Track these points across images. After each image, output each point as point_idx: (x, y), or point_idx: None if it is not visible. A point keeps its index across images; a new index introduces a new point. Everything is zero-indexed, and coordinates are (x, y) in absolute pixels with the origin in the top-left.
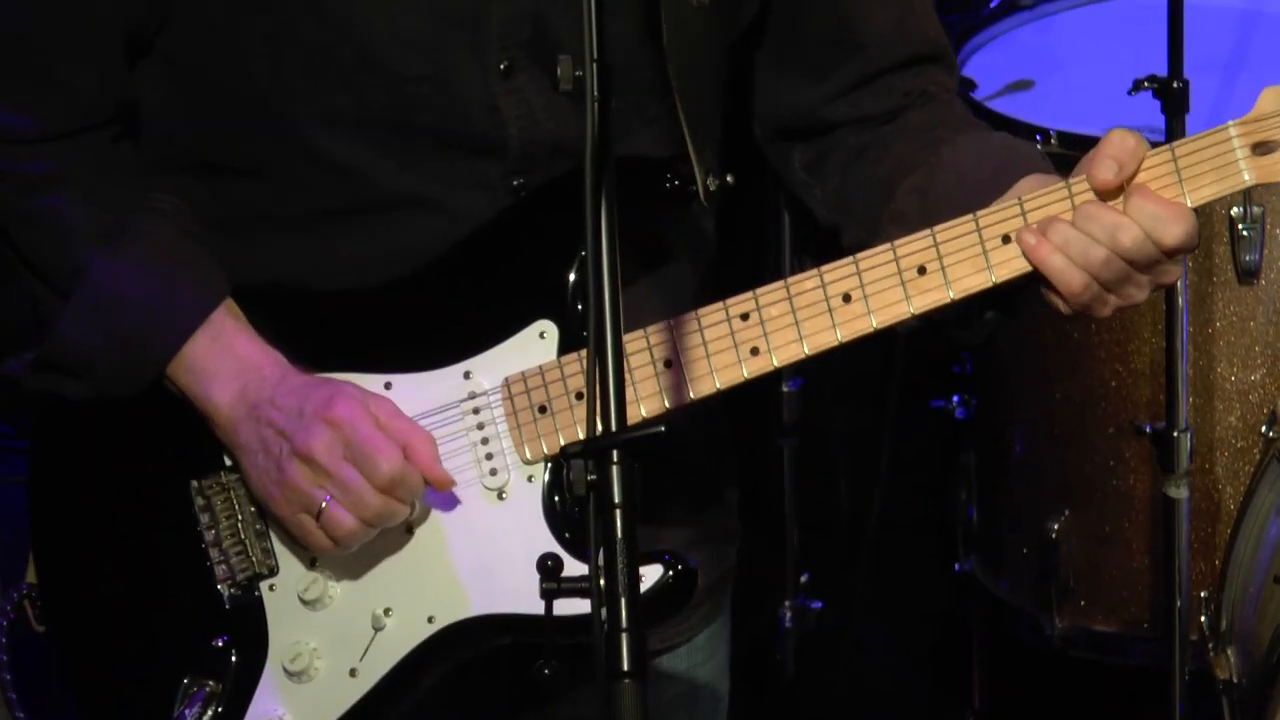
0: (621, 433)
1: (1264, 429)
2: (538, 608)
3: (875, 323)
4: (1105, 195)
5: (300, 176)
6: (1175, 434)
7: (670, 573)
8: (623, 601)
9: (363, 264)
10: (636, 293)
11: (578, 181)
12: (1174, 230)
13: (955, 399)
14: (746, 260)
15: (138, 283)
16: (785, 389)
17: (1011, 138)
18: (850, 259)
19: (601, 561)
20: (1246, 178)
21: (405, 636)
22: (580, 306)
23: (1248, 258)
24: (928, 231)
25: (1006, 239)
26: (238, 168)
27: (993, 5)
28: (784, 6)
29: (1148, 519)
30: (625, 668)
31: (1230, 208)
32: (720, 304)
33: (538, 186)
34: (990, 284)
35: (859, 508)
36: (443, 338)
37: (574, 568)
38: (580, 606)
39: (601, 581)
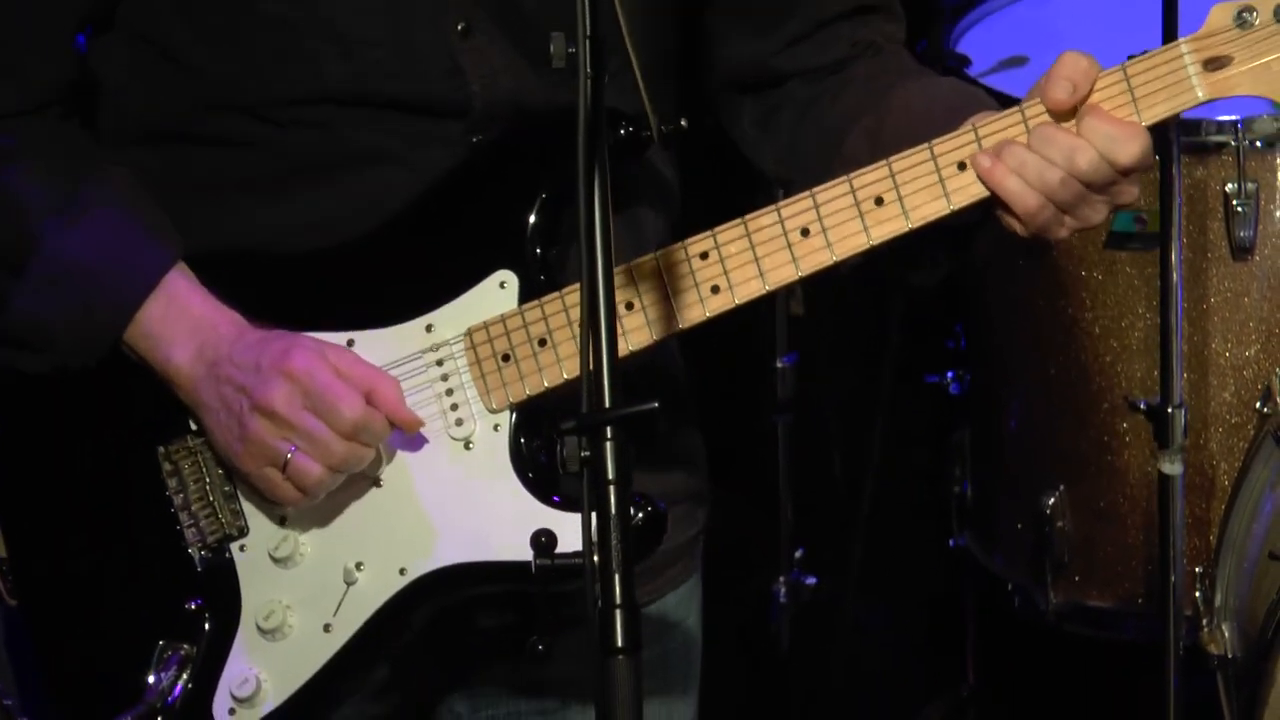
0: (615, 409)
1: (1258, 404)
2: (508, 555)
3: (834, 255)
4: (1060, 116)
5: (260, 143)
6: (1170, 409)
7: (640, 515)
8: (616, 577)
9: (323, 224)
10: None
11: (529, 132)
12: (1129, 149)
13: (950, 374)
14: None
15: (89, 252)
16: (779, 364)
17: (960, 82)
18: (807, 193)
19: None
20: (1199, 94)
21: (378, 589)
22: (539, 251)
23: (1242, 233)
24: (884, 162)
25: (962, 166)
26: (197, 136)
27: None
28: None
29: (1142, 494)
30: (619, 643)
31: (1225, 184)
32: (680, 244)
33: (492, 139)
34: (948, 210)
35: (853, 483)
36: (403, 293)
37: (543, 515)
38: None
39: (595, 557)
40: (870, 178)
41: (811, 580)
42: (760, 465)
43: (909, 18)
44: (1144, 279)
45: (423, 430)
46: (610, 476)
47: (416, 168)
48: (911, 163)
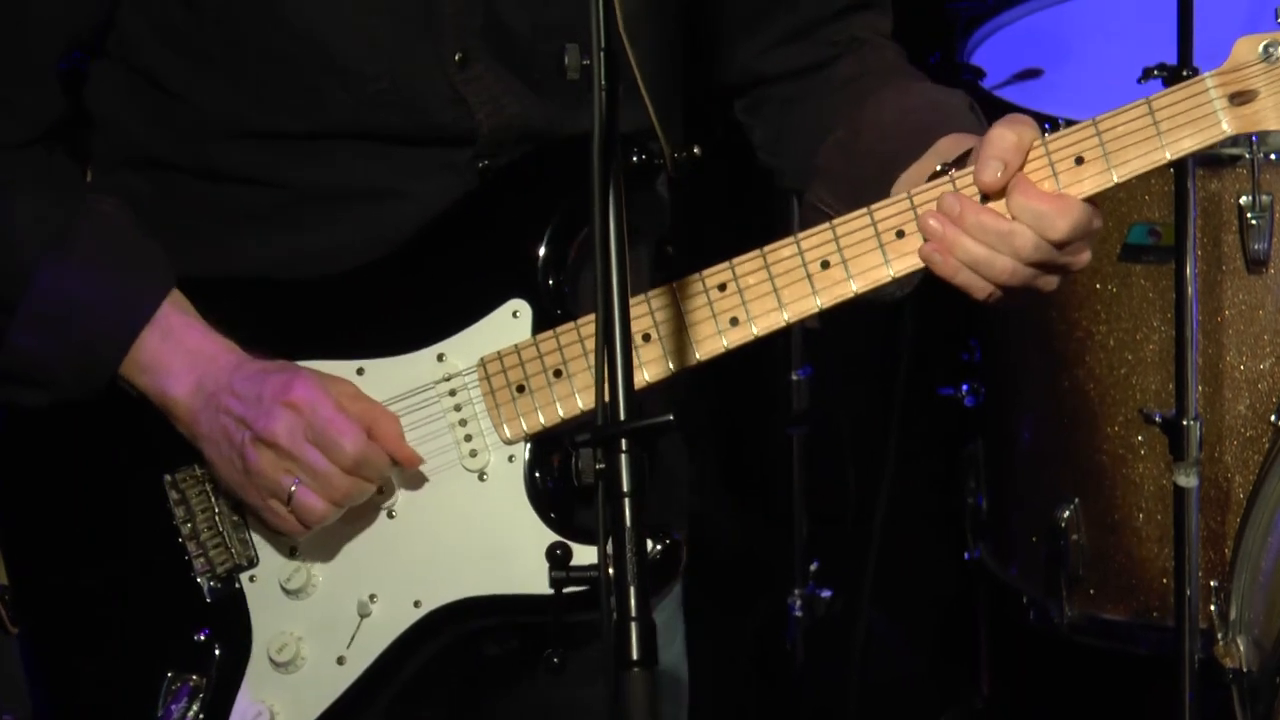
0: (630, 422)
1: (1273, 417)
2: (524, 588)
3: (855, 287)
4: (993, 195)
5: (261, 175)
6: (1185, 422)
7: (658, 546)
8: (631, 590)
9: (330, 253)
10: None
11: (540, 161)
12: (1060, 225)
13: (964, 387)
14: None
15: (82, 287)
16: (795, 378)
17: (936, 90)
18: (827, 225)
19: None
20: (1225, 128)
21: (392, 621)
22: (551, 281)
23: (1256, 246)
24: (827, 225)
25: (900, 234)
26: (195, 166)
27: None
28: None
29: (1157, 507)
30: (635, 656)
31: (1239, 197)
32: (697, 275)
33: (501, 167)
34: (889, 278)
35: (868, 496)
36: (414, 321)
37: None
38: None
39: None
40: (817, 239)
41: (826, 593)
42: (775, 478)
43: (924, 31)
44: (1158, 292)
45: (436, 461)
46: (625, 489)
47: (424, 197)
48: (853, 227)
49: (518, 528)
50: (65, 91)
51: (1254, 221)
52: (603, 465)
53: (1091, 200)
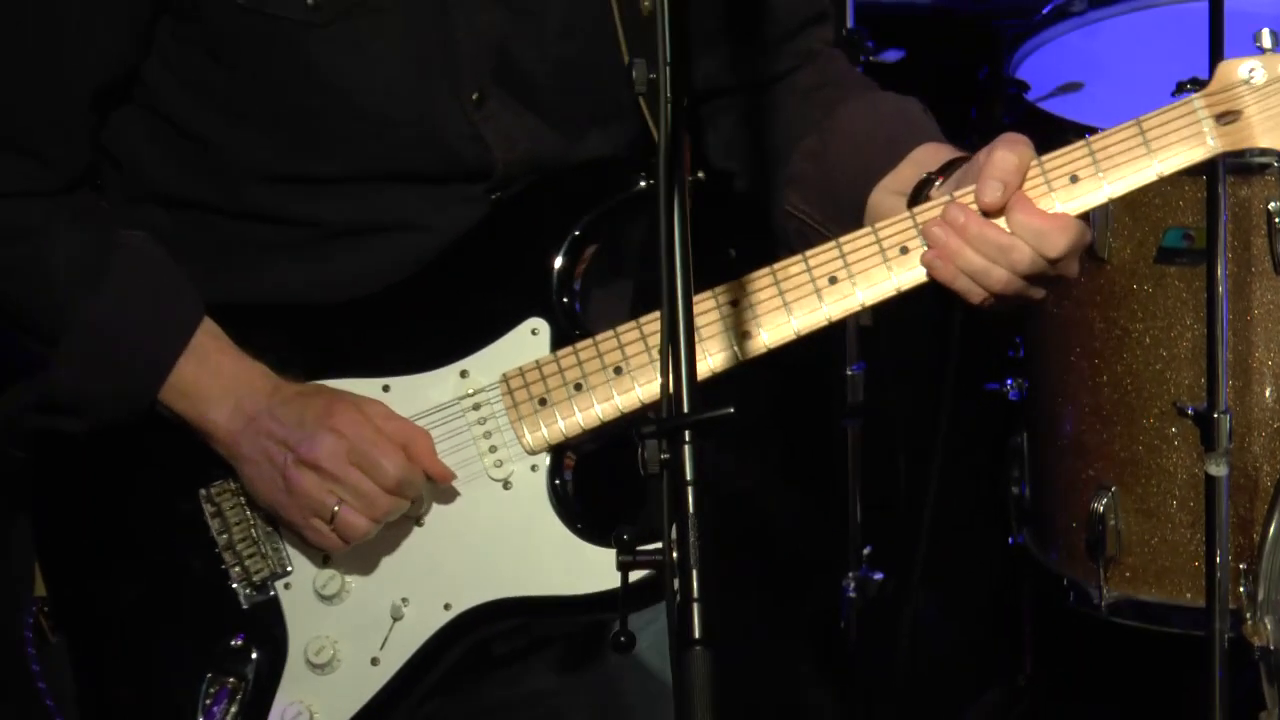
0: (693, 414)
1: None
2: (549, 589)
3: (862, 299)
4: (993, 213)
5: (287, 216)
6: (1216, 415)
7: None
8: (694, 573)
9: (353, 280)
10: (624, 288)
11: (552, 187)
12: (1058, 243)
13: (1009, 382)
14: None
15: (118, 320)
16: (849, 373)
17: (896, 99)
18: (833, 243)
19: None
20: (1212, 143)
21: (424, 624)
22: (566, 299)
23: None
24: (834, 242)
25: (904, 250)
26: (222, 206)
27: (1044, 12)
28: None
29: (1190, 495)
30: (697, 635)
31: (1268, 202)
32: (709, 292)
33: (514, 194)
34: (895, 291)
35: (918, 484)
36: (437, 340)
37: (581, 551)
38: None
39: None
40: (824, 256)
41: (878, 576)
42: (831, 467)
43: (972, 47)
44: (1191, 292)
45: (463, 471)
46: (689, 477)
47: (441, 227)
48: (858, 245)
49: (541, 532)
50: (93, 136)
51: None
52: (667, 455)
53: (1084, 217)
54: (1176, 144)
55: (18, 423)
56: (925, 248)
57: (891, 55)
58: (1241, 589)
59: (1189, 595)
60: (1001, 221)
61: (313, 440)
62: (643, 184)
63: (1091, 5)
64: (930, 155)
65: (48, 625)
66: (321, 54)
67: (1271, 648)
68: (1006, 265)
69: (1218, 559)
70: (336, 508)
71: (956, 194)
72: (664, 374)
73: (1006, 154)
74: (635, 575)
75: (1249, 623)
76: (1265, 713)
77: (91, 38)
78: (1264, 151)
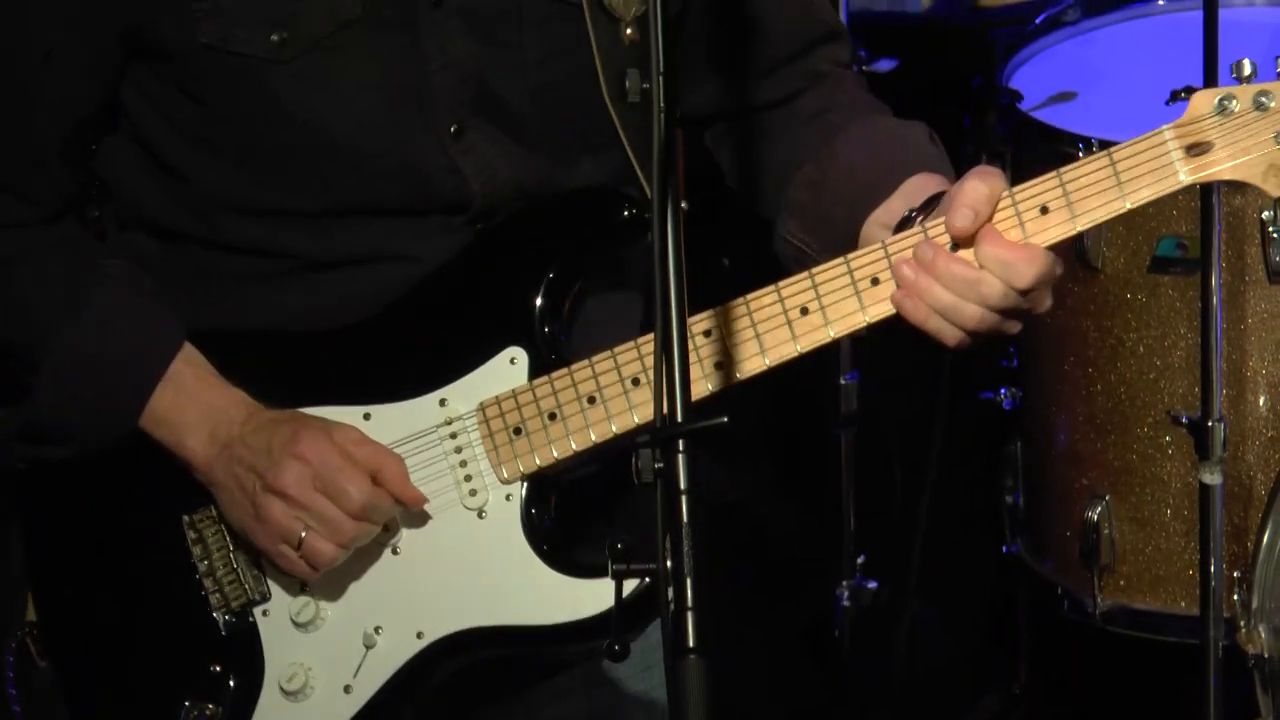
0: (687, 424)
1: None
2: (521, 619)
3: (832, 333)
4: (963, 243)
5: (267, 246)
6: (1210, 424)
7: (642, 582)
8: (688, 582)
9: (335, 308)
10: (609, 311)
11: (534, 216)
12: (1027, 274)
13: (1003, 391)
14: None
15: (97, 349)
16: (843, 382)
17: (899, 126)
18: (806, 274)
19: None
20: (1182, 178)
21: (396, 652)
22: (546, 329)
23: (1277, 258)
24: (806, 274)
25: (875, 280)
26: (203, 237)
27: (1038, 22)
28: (697, 13)
29: (1184, 504)
30: (691, 644)
31: (1261, 211)
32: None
33: (496, 224)
34: (864, 323)
35: (912, 493)
36: (417, 368)
37: (553, 581)
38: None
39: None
40: (796, 288)
41: (873, 585)
42: (825, 476)
43: (966, 57)
44: (1185, 301)
45: (438, 500)
46: (683, 487)
47: (424, 257)
48: (830, 275)
49: (514, 562)
50: (74, 167)
51: (1275, 235)
52: (661, 464)
53: (1054, 249)
54: (1145, 176)
55: (6, 451)
56: (895, 285)
57: (885, 65)
58: (1236, 597)
59: (1183, 604)
60: (970, 255)
61: (279, 468)
62: (626, 214)
63: (1085, 14)
64: (919, 187)
65: (35, 650)
66: (287, 90)
67: (1266, 656)
68: (977, 300)
69: (1212, 567)
70: (304, 534)
71: (928, 224)
72: (658, 383)
73: (978, 184)
74: (628, 587)
75: (1243, 631)
76: None
77: (60, 77)
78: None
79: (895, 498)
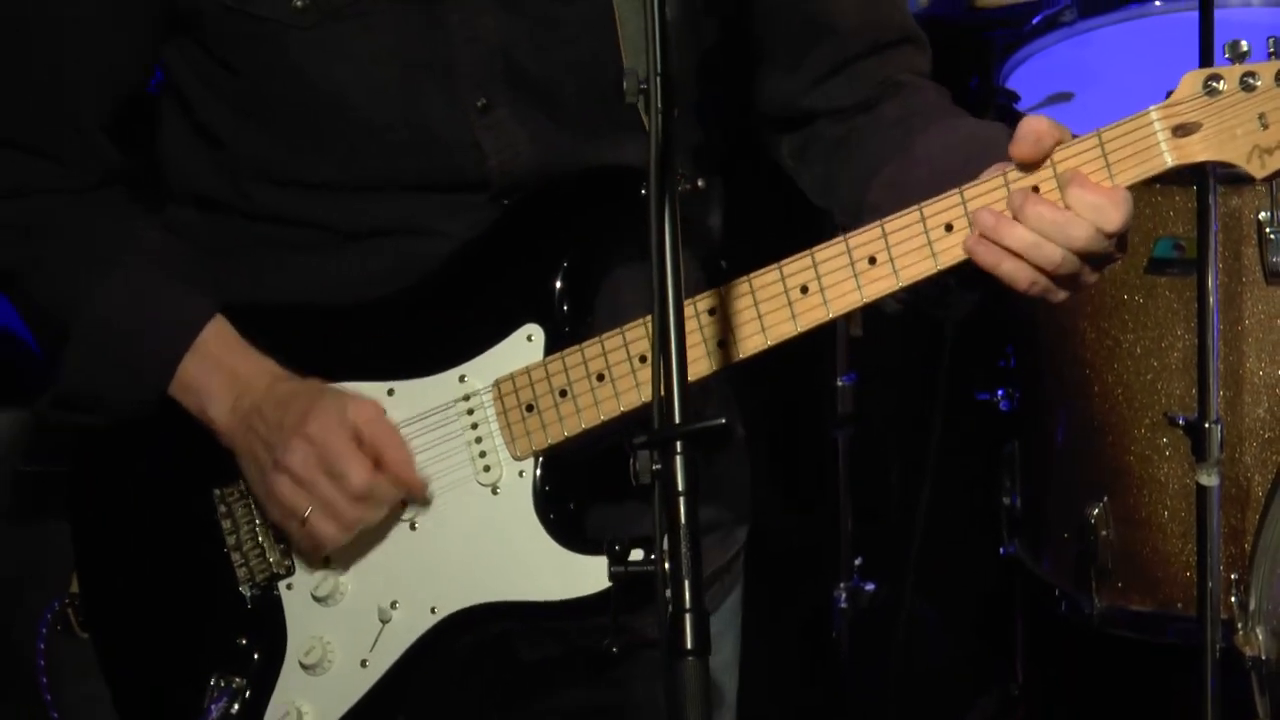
0: (684, 425)
1: None
2: (532, 594)
3: (830, 312)
4: (1028, 167)
5: (294, 216)
6: (1207, 425)
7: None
8: (685, 583)
9: (363, 282)
10: (629, 289)
11: (557, 193)
12: (1116, 216)
13: (1000, 392)
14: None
15: (127, 316)
16: (840, 383)
17: (979, 124)
18: (807, 252)
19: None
20: (1168, 160)
21: (410, 627)
22: (565, 307)
23: (1274, 259)
24: (878, 223)
25: (949, 227)
26: (235, 206)
27: (1035, 22)
28: (757, 5)
29: (1181, 505)
30: (689, 646)
31: (1258, 212)
32: (689, 300)
33: (521, 200)
34: (935, 270)
35: (909, 494)
36: (440, 345)
37: (562, 558)
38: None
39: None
40: (865, 238)
41: (870, 586)
42: (822, 477)
43: (963, 58)
44: (1182, 302)
45: (454, 476)
46: (680, 488)
47: (449, 233)
48: (903, 224)
49: (526, 537)
50: (126, 137)
51: (1272, 236)
52: (659, 466)
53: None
54: (1131, 157)
55: (44, 420)
56: (890, 259)
57: None
58: (1233, 599)
59: (1180, 605)
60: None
61: (286, 446)
62: (646, 191)
63: (1082, 15)
64: (999, 172)
65: (77, 621)
66: (307, 56)
67: (1263, 658)
68: (1063, 241)
69: (1209, 569)
70: (307, 513)
71: (1006, 169)
72: (655, 385)
73: (1038, 118)
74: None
75: (1240, 633)
76: None
77: (94, 40)
78: None
79: (893, 499)
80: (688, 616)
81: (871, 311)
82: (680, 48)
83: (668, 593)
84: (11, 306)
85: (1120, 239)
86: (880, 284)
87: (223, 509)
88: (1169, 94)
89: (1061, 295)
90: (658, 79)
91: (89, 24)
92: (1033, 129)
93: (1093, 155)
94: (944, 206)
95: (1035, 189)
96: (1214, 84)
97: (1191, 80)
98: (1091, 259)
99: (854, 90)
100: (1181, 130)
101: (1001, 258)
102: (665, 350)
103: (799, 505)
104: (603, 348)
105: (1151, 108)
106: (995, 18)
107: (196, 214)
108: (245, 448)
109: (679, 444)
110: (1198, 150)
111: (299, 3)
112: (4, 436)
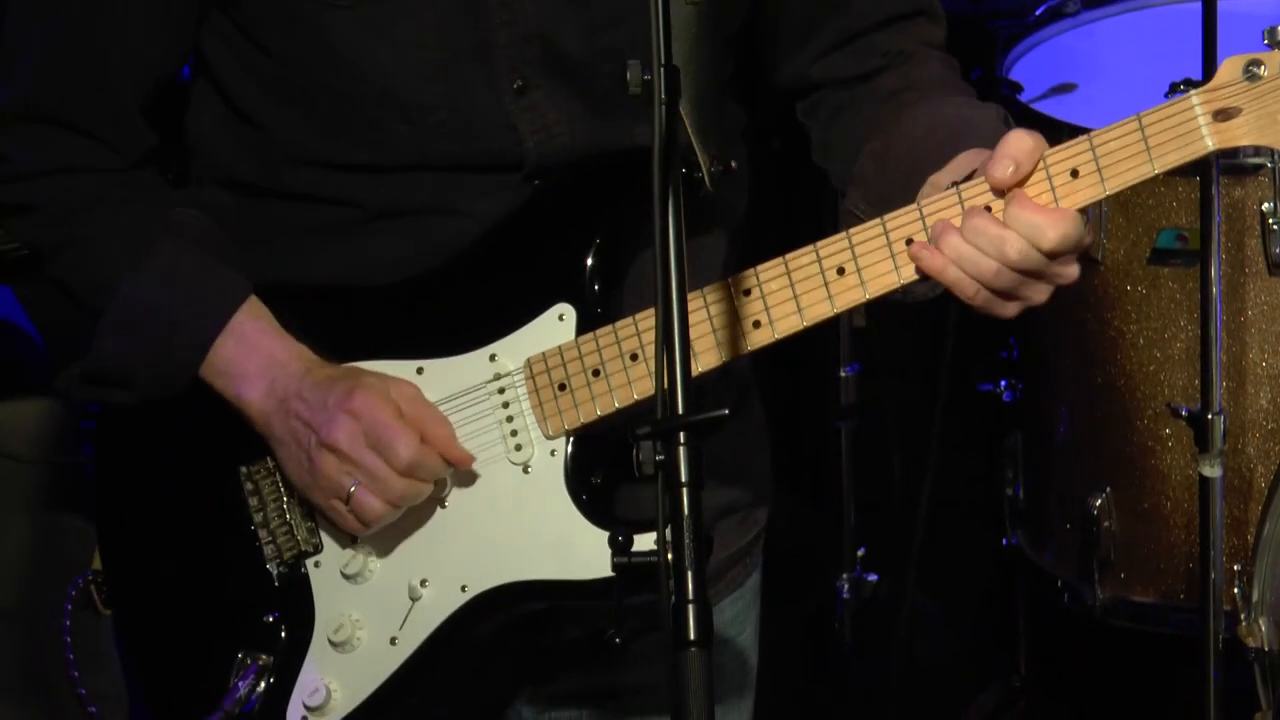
0: (687, 415)
1: None
2: (563, 573)
3: (867, 293)
4: (1001, 193)
5: (329, 198)
6: (1210, 416)
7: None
8: (689, 574)
9: (393, 263)
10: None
11: (590, 174)
12: (1051, 235)
13: (1003, 383)
14: (812, 228)
15: (162, 297)
16: (843, 374)
17: (969, 104)
18: (843, 234)
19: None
20: (1209, 143)
21: (441, 605)
22: (596, 287)
23: (1277, 250)
24: (843, 234)
25: (909, 241)
26: (271, 188)
27: (1038, 13)
28: None
29: (1184, 496)
30: (692, 637)
31: (1262, 203)
32: (725, 281)
33: (553, 181)
34: (899, 283)
35: (912, 485)
36: (470, 324)
37: (594, 536)
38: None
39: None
40: (834, 247)
41: (873, 577)
42: (825, 468)
43: (966, 49)
44: (1185, 293)
45: (485, 455)
46: (684, 479)
47: (481, 214)
48: (867, 236)
49: (557, 518)
50: (163, 115)
51: (1275, 226)
52: (662, 456)
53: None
54: (1172, 141)
55: (73, 394)
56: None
57: None
58: (1235, 590)
59: (1183, 596)
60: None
61: (332, 423)
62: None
63: (1085, 6)
64: (969, 161)
65: (100, 598)
66: (346, 36)
67: (1266, 649)
68: (997, 255)
69: (1212, 560)
70: (353, 489)
71: (963, 187)
72: (659, 375)
73: (1023, 137)
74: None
75: (1243, 624)
76: (1260, 714)
77: (138, 21)
78: (1258, 151)
79: (895, 490)
80: (690, 608)
81: (876, 302)
82: (710, 26)
83: (671, 583)
84: (13, 300)
85: (1065, 258)
86: (849, 295)
87: (249, 486)
88: (1172, 85)
89: (1009, 309)
90: (662, 70)
91: (135, 5)
92: (1011, 153)
93: (1133, 139)
94: (942, 206)
95: (988, 208)
96: (1255, 69)
97: (1232, 65)
98: (1033, 275)
99: (858, 62)
100: (1222, 115)
101: (945, 265)
102: (669, 340)
103: (802, 496)
104: (636, 327)
105: (1192, 92)
106: (998, 8)
107: (228, 196)
108: (283, 430)
109: (682, 434)
110: (1239, 134)
111: None
112: (37, 429)
